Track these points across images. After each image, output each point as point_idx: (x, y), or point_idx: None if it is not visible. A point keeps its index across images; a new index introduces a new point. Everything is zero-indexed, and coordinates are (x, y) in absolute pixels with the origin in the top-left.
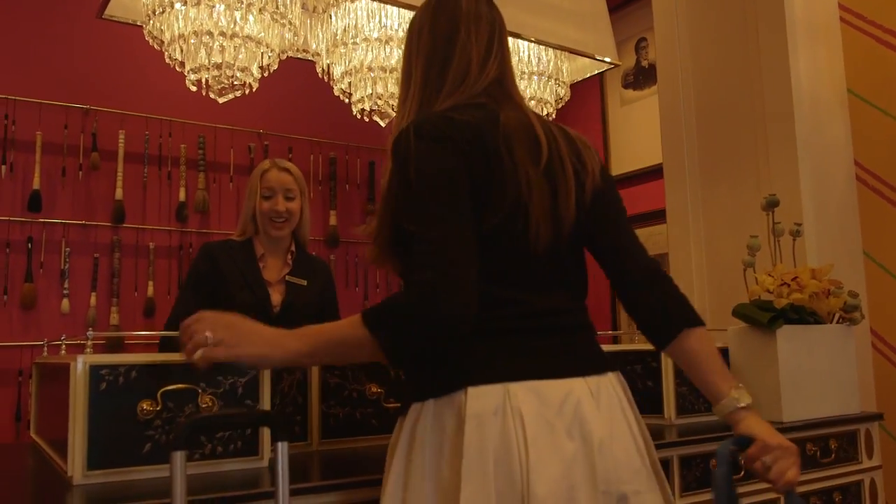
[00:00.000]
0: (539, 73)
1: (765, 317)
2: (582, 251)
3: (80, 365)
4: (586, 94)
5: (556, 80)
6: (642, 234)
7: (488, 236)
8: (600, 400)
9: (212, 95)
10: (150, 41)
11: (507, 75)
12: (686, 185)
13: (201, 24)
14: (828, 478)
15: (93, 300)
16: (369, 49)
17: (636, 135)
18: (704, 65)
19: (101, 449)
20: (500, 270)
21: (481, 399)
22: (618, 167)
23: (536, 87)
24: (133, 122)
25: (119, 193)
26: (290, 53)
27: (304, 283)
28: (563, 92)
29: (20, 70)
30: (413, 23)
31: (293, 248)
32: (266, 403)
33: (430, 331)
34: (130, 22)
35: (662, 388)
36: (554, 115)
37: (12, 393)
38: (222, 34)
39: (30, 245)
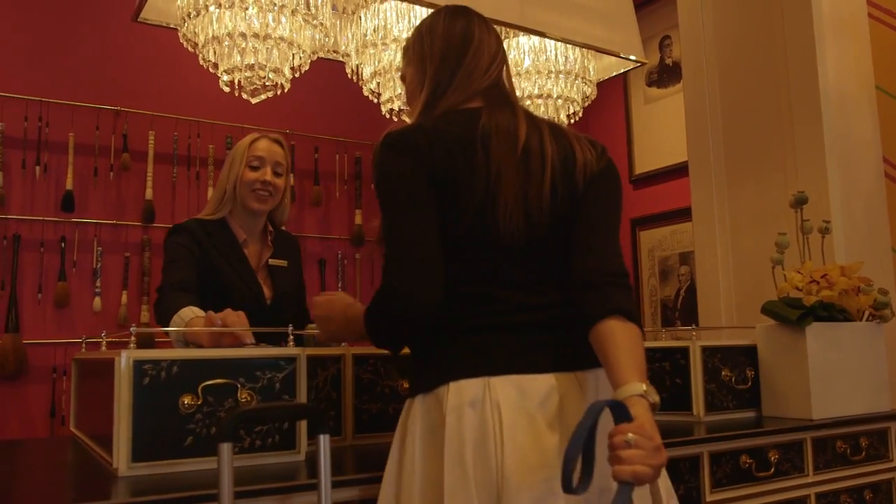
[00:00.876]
0: (566, 71)
1: (794, 314)
2: (567, 250)
3: (124, 360)
4: (610, 92)
5: (582, 78)
6: (665, 232)
7: (461, 235)
8: (597, 394)
9: (244, 96)
10: (185, 43)
11: (507, 80)
12: (712, 182)
13: (235, 26)
14: (858, 475)
15: (124, 298)
16: (398, 49)
17: (660, 133)
18: (730, 61)
19: (145, 442)
20: (479, 268)
21: (461, 393)
22: (641, 166)
23: (563, 86)
24: (162, 123)
25: (149, 193)
26: (321, 54)
27: (285, 263)
28: (590, 91)
29: (53, 73)
30: (426, 27)
31: (270, 227)
32: (302, 398)
33: (393, 333)
34: (164, 25)
35: (691, 385)
36: (580, 114)
37: (47, 389)
38: (255, 36)
39: (63, 244)
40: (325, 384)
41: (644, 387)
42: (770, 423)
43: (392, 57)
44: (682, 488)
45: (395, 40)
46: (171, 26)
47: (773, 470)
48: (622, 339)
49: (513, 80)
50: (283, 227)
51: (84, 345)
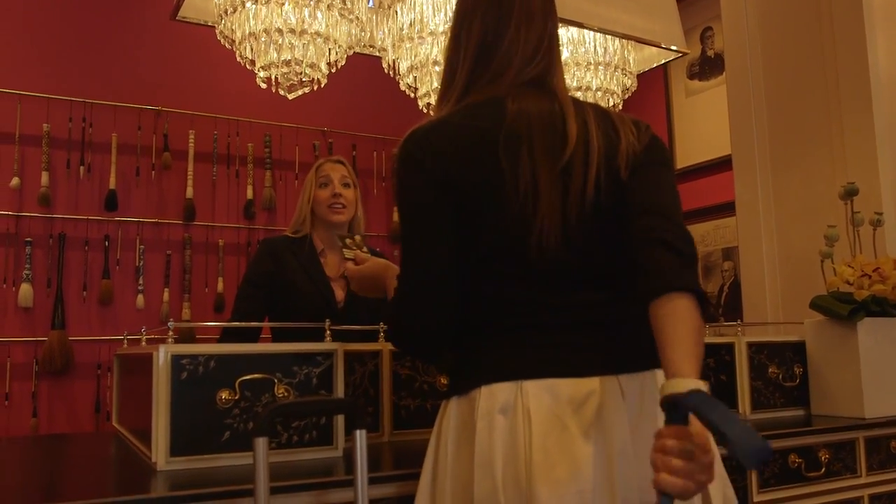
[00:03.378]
0: (605, 63)
1: (845, 309)
2: (612, 246)
3: (163, 354)
4: (650, 85)
5: (622, 70)
6: (708, 227)
7: (489, 252)
8: (642, 400)
9: (281, 92)
10: (222, 41)
11: (552, 72)
12: (756, 175)
13: (271, 22)
14: None
15: (165, 296)
16: (435, 43)
17: (702, 126)
18: (774, 50)
19: (183, 436)
20: (510, 271)
21: (493, 397)
22: (683, 160)
23: (602, 78)
24: (202, 122)
25: (189, 192)
26: (357, 49)
27: None
28: (630, 82)
29: (96, 74)
30: (462, 13)
31: None
32: (339, 393)
33: (403, 351)
34: (202, 23)
35: (736, 383)
36: (620, 106)
37: (92, 385)
38: (291, 31)
39: (107, 243)
40: (362, 380)
41: (705, 386)
42: (819, 421)
43: (429, 51)
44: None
45: (431, 34)
46: (209, 24)
47: (823, 470)
48: (694, 324)
49: None
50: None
51: (126, 341)
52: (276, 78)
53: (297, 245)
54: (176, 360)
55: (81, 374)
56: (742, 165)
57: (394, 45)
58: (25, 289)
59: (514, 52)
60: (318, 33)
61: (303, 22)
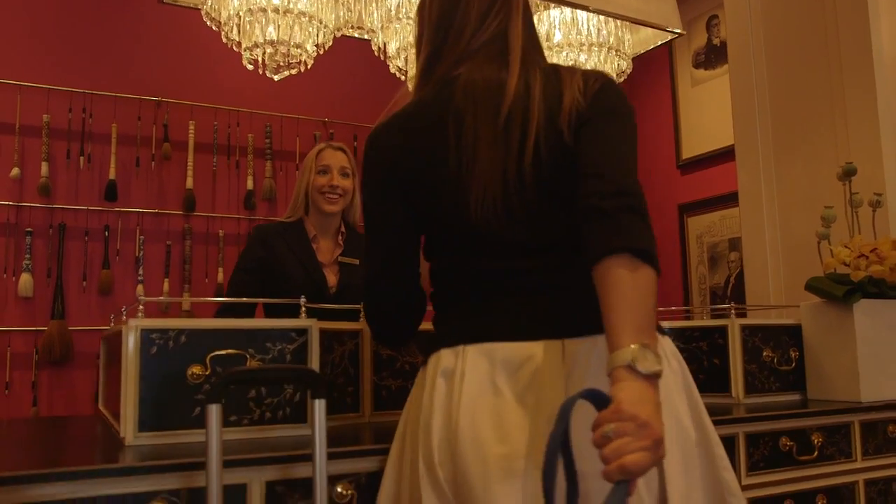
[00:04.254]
0: (599, 44)
1: (840, 290)
2: (563, 210)
3: (133, 329)
4: (656, 75)
5: (616, 51)
6: (714, 217)
7: (437, 226)
8: (588, 361)
9: (268, 73)
10: (208, 22)
11: (511, 26)
12: (759, 163)
13: (256, 2)
14: None
15: (165, 286)
16: None
17: (708, 116)
18: (777, 37)
19: (152, 412)
20: (456, 242)
21: (438, 363)
22: (689, 150)
23: (597, 60)
24: (202, 112)
25: (189, 182)
26: (345, 31)
27: (356, 262)
28: (626, 65)
29: (96, 65)
30: None
31: (343, 228)
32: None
33: (374, 337)
34: (191, 6)
35: (729, 366)
36: None
37: (91, 375)
38: (276, 10)
39: (107, 233)
40: (342, 359)
41: (633, 354)
42: (815, 406)
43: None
44: None
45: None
46: (197, 7)
47: (816, 454)
48: (624, 288)
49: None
50: (356, 228)
51: (112, 322)
52: (263, 59)
53: (290, 230)
54: (145, 334)
55: (81, 364)
56: (745, 152)
57: (382, 27)
58: (25, 279)
59: (470, 12)
60: (303, 13)
61: (288, 1)
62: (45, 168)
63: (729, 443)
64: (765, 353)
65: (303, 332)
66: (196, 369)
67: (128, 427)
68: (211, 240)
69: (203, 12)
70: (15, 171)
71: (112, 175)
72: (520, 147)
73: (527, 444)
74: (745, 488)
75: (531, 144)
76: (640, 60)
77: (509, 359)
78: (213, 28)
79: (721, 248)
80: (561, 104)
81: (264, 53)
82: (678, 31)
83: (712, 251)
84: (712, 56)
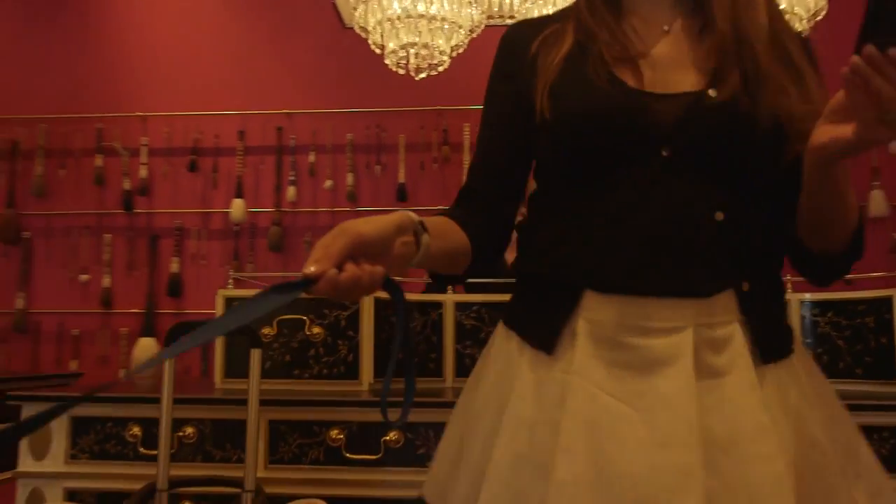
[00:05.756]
0: None
1: None
2: None
3: (221, 298)
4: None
5: None
6: None
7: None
8: None
9: (411, 73)
10: (357, 29)
11: None
12: None
13: (404, 8)
14: None
15: None
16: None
17: None
18: None
19: (234, 363)
20: None
21: None
22: None
23: None
24: (475, 115)
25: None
26: (488, 22)
27: None
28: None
29: (386, 87)
30: None
31: None
32: (367, 334)
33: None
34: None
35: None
36: (807, 32)
37: None
38: (417, 17)
39: None
40: (424, 328)
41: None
42: None
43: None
44: None
45: None
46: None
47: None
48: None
49: None
50: None
51: None
52: (406, 62)
53: None
54: (229, 301)
55: None
56: None
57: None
58: None
59: None
60: (444, 18)
61: (427, 8)
62: (350, 178)
63: None
64: None
65: (355, 301)
66: (267, 330)
67: (217, 374)
68: None
69: (355, 24)
70: (328, 182)
71: (402, 179)
72: None
73: None
74: None
75: None
76: None
77: None
78: (362, 35)
79: None
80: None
81: (406, 56)
82: None
83: None
84: None
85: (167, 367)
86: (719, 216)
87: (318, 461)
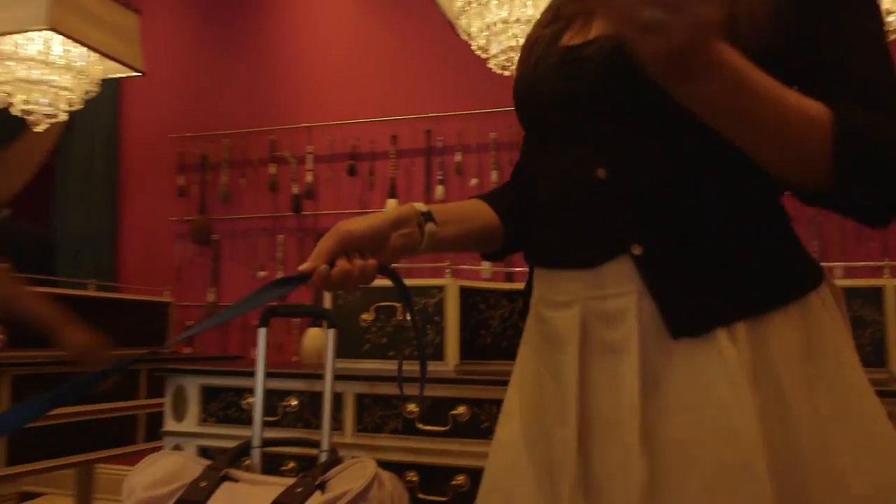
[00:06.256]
0: None
1: None
2: None
3: None
4: None
5: None
6: None
7: None
8: None
9: (506, 73)
10: (461, 33)
11: None
12: None
13: (509, 14)
14: None
15: None
16: None
17: None
18: None
19: (338, 344)
20: None
21: None
22: None
23: None
24: None
25: None
26: None
27: None
28: None
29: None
30: None
31: None
32: (451, 319)
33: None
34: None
35: (886, 336)
36: None
37: None
38: (517, 21)
39: None
40: (510, 314)
41: None
42: None
43: None
44: None
45: None
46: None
47: None
48: None
49: None
50: None
51: None
52: (507, 64)
53: None
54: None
55: None
56: None
57: None
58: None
59: None
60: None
61: (526, 11)
62: (494, 175)
63: None
64: None
65: (441, 289)
66: (366, 315)
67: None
68: None
69: (458, 28)
70: (474, 180)
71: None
72: None
73: None
74: None
75: None
76: None
77: None
78: (465, 38)
79: None
80: None
81: (507, 59)
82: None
83: None
84: None
85: (260, 346)
86: (601, 173)
87: (396, 431)
